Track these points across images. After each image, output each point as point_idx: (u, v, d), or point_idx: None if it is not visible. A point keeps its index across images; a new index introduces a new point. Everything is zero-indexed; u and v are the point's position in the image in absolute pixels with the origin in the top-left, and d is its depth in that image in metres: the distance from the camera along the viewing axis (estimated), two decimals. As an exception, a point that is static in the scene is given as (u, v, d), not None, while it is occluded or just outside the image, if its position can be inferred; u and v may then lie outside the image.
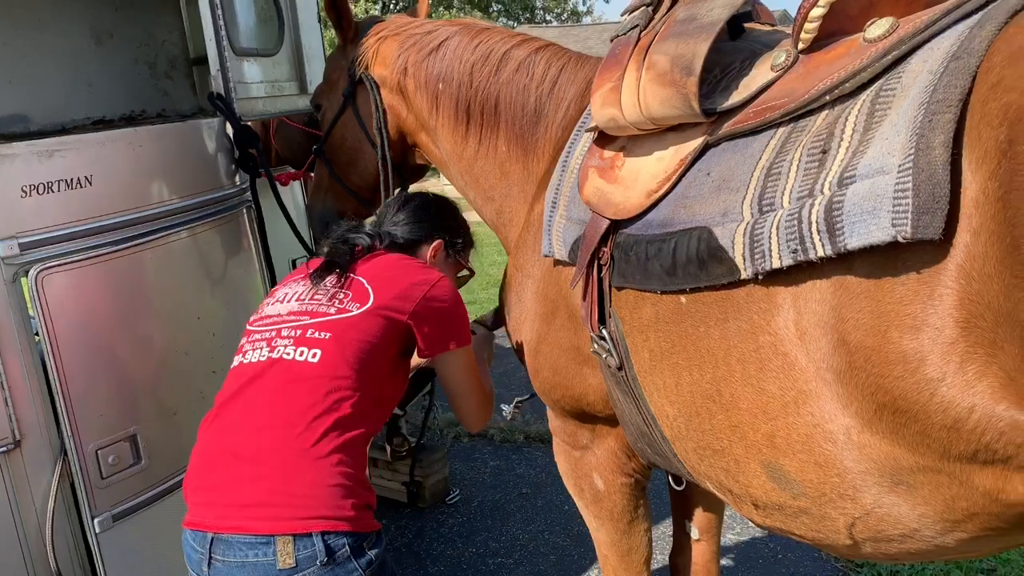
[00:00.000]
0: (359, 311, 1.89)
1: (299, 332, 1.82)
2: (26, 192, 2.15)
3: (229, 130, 2.92)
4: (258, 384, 1.78)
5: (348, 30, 2.65)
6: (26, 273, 2.11)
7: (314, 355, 1.78)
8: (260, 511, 1.65)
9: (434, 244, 2.26)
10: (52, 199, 2.20)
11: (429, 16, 2.83)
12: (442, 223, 2.31)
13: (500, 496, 4.24)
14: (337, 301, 1.92)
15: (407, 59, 2.42)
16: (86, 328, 2.23)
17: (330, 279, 1.97)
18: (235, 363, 1.90)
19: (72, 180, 2.25)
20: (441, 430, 5.03)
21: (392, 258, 2.11)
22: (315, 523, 1.64)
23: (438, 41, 2.38)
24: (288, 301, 1.96)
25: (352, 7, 2.71)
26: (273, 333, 1.86)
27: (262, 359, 1.81)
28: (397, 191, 2.59)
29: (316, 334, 1.82)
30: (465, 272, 2.44)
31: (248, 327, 1.97)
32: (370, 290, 1.94)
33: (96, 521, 2.24)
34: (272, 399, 1.75)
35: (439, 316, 2.00)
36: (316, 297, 1.93)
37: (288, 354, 1.79)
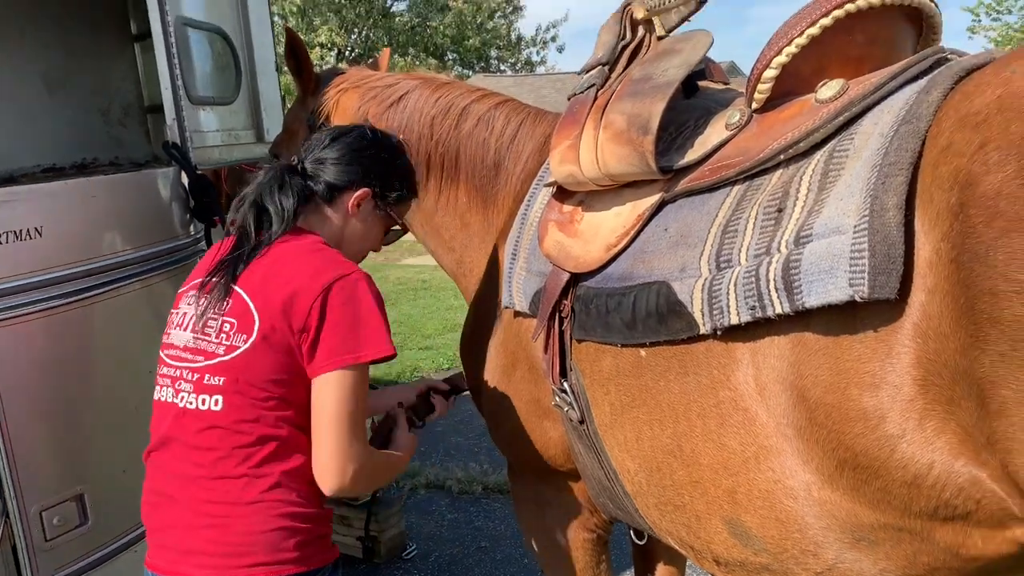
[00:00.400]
0: (246, 346, 1.65)
1: (197, 376, 1.69)
2: (-28, 244, 2.09)
3: (184, 179, 2.89)
4: (177, 430, 1.70)
5: (308, 81, 2.65)
6: (-30, 327, 2.04)
7: (216, 402, 1.66)
8: (203, 559, 1.63)
9: (358, 193, 1.86)
10: (0, 251, 2.14)
11: (390, 69, 2.85)
12: (377, 167, 1.90)
13: (458, 550, 4.17)
14: (224, 334, 1.68)
15: (367, 111, 2.43)
16: (33, 384, 2.16)
17: (216, 295, 1.72)
18: (155, 394, 1.79)
19: (21, 231, 2.20)
20: (397, 481, 4.95)
21: (290, 250, 1.74)
22: (257, 570, 1.61)
23: (399, 94, 2.40)
24: (185, 328, 1.75)
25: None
26: (177, 373, 1.73)
27: (175, 402, 1.72)
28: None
29: (212, 379, 1.67)
30: (397, 228, 2.11)
31: (160, 352, 1.81)
32: (254, 311, 1.67)
33: (38, 586, 2.15)
34: (191, 450, 1.68)
35: (334, 327, 1.63)
36: (207, 328, 1.71)
37: (191, 403, 1.68)
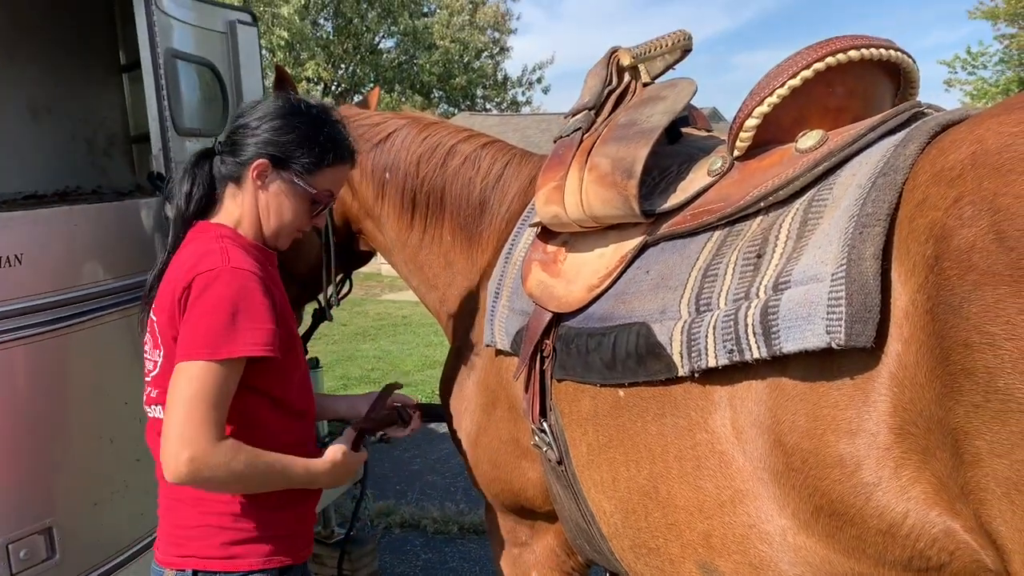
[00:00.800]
0: (160, 359, 1.73)
1: (148, 390, 1.81)
2: (-49, 270, 2.07)
3: (168, 210, 2.88)
4: (150, 434, 1.82)
5: None
6: (-55, 354, 2.02)
7: (158, 410, 1.76)
8: (159, 544, 1.80)
9: (254, 164, 1.77)
10: (-22, 277, 2.12)
11: (379, 108, 2.87)
12: (277, 136, 1.78)
13: (432, 590, 4.12)
14: (148, 352, 1.79)
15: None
16: (6, 412, 2.13)
17: (142, 318, 1.85)
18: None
19: (1, 258, 2.18)
20: (372, 520, 4.89)
21: (184, 251, 1.76)
22: (188, 561, 1.72)
23: (386, 132, 2.43)
24: (144, 342, 1.85)
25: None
26: (146, 388, 1.83)
27: (152, 417, 1.83)
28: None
29: (152, 392, 1.78)
30: (309, 223, 1.89)
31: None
32: (156, 327, 1.74)
33: (1, 621, 2.10)
34: (155, 451, 1.75)
35: (186, 321, 1.64)
36: (144, 347, 1.81)
37: (152, 412, 1.80)
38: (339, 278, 2.63)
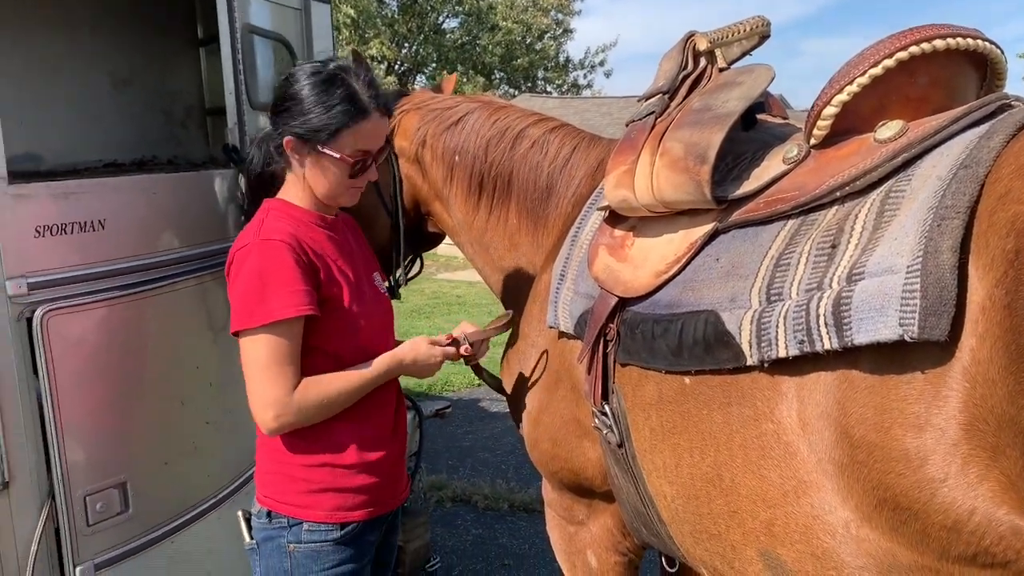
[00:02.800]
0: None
1: None
2: (40, 232, 2.16)
3: (241, 182, 2.96)
4: None
5: None
6: (32, 313, 2.11)
7: None
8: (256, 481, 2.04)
9: (284, 143, 1.89)
10: (64, 240, 2.21)
11: (456, 92, 2.89)
12: (292, 110, 1.86)
13: (481, 566, 4.18)
14: None
15: (427, 131, 2.49)
16: (86, 371, 2.22)
17: None
18: None
19: (85, 223, 2.27)
20: (424, 493, 4.97)
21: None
22: (266, 501, 1.95)
23: (458, 116, 2.45)
24: None
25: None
26: None
27: None
28: None
29: None
30: (361, 180, 1.95)
31: None
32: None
33: (78, 570, 2.19)
34: None
35: (230, 297, 1.86)
36: None
37: None
38: (409, 259, 2.68)
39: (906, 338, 1.20)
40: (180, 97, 4.03)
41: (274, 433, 1.84)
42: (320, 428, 1.88)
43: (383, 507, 2.00)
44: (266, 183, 2.05)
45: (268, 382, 1.79)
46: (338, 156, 1.86)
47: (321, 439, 1.90)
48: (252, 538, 1.99)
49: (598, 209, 2.02)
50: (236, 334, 1.83)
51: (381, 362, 1.93)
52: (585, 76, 34.76)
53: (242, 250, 1.83)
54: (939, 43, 1.46)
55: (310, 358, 1.86)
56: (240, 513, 2.05)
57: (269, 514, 1.94)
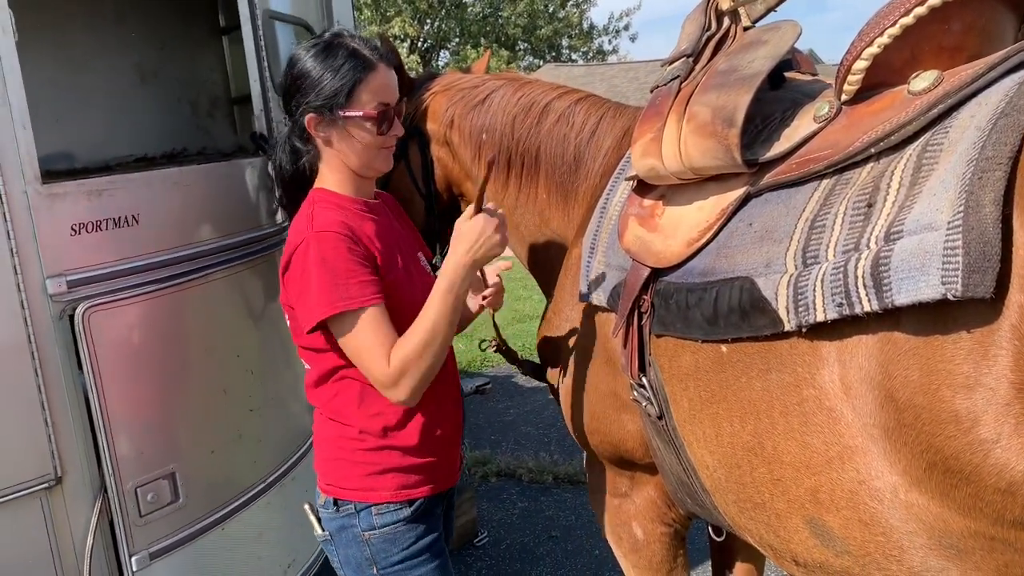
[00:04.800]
0: (289, 324, 1.94)
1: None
2: (75, 231, 2.19)
3: (271, 169, 2.97)
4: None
5: (402, 86, 2.72)
6: (73, 310, 2.14)
7: (306, 365, 1.99)
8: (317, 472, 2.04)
9: (306, 122, 1.87)
10: (100, 237, 2.24)
11: (488, 69, 2.87)
12: (305, 88, 1.85)
13: (528, 539, 4.21)
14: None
15: (454, 112, 2.48)
16: (129, 365, 2.26)
17: None
18: None
19: (120, 219, 2.29)
20: (469, 468, 5.01)
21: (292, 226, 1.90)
22: (330, 488, 1.96)
23: (484, 94, 2.44)
24: None
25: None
26: None
27: None
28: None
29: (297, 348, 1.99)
30: (391, 136, 1.92)
31: None
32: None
33: (134, 560, 2.25)
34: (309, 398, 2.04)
35: (299, 294, 1.79)
36: None
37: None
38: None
39: (949, 296, 1.16)
40: (206, 87, 4.05)
41: (411, 401, 1.80)
42: (374, 416, 1.89)
43: (443, 483, 2.01)
44: (302, 180, 2.00)
45: (372, 362, 1.76)
46: (361, 113, 1.84)
47: (381, 421, 1.90)
48: (323, 529, 1.99)
49: (626, 179, 1.99)
50: (320, 325, 1.77)
51: (441, 278, 1.81)
52: (610, 42, 34.37)
53: (301, 246, 1.78)
54: (972, -14, 1.40)
55: None
56: (307, 506, 2.05)
57: (336, 502, 1.94)
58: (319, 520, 2.00)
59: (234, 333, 2.64)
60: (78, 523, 2.19)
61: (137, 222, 2.33)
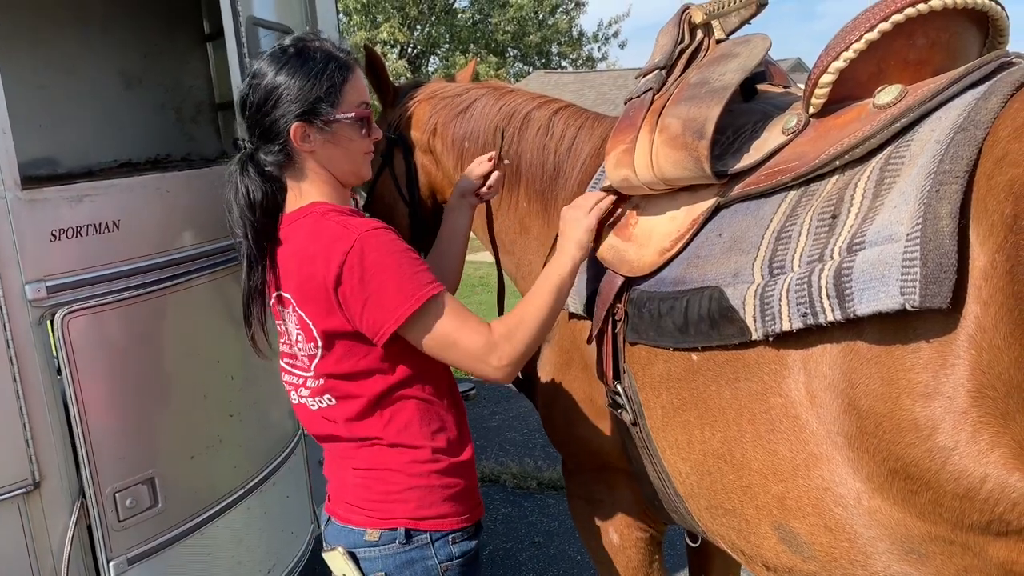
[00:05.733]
0: (319, 354, 1.75)
1: (303, 380, 1.84)
2: (55, 236, 2.19)
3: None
4: (315, 426, 1.89)
5: (387, 94, 2.77)
6: (53, 316, 2.15)
7: (329, 400, 1.81)
8: (356, 508, 1.82)
9: (291, 132, 1.71)
10: (80, 243, 2.24)
11: (476, 77, 2.90)
12: (290, 96, 1.70)
13: (512, 545, 4.22)
14: (299, 348, 1.80)
15: (436, 120, 2.50)
16: (108, 371, 2.27)
17: (280, 316, 1.84)
18: (290, 398, 1.92)
19: (100, 224, 2.30)
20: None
21: (297, 238, 1.74)
22: (397, 521, 1.77)
23: (467, 103, 2.47)
24: (282, 340, 1.88)
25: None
26: (294, 380, 1.87)
27: (305, 404, 1.86)
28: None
29: (312, 383, 1.82)
30: (372, 140, 1.81)
31: (280, 362, 1.94)
32: (305, 317, 1.73)
33: (111, 565, 2.24)
34: (322, 437, 1.89)
35: (368, 300, 1.64)
36: (295, 343, 1.82)
37: (313, 405, 1.84)
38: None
39: (908, 307, 1.19)
40: (191, 93, 4.06)
41: (509, 377, 1.72)
42: (437, 433, 1.79)
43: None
44: (272, 206, 1.80)
45: (467, 336, 1.67)
46: (353, 115, 1.74)
47: (445, 436, 1.79)
48: (367, 572, 1.78)
49: (601, 189, 2.01)
50: (407, 321, 1.64)
51: (557, 264, 1.79)
52: (599, 49, 34.51)
53: (351, 253, 1.62)
54: (935, 3, 1.44)
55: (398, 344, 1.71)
56: (340, 551, 1.81)
57: (409, 534, 1.75)
58: (358, 564, 1.79)
59: (214, 339, 2.65)
60: (56, 528, 2.19)
61: (118, 228, 2.33)
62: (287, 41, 1.80)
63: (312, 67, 1.72)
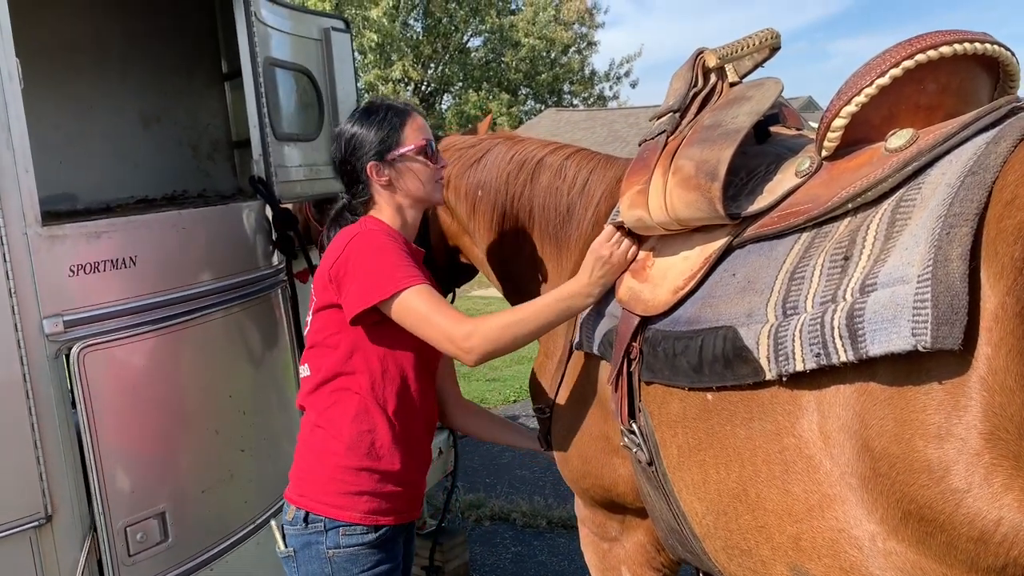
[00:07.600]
0: (310, 320, 2.10)
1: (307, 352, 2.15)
2: (73, 272, 2.23)
3: (268, 212, 3.02)
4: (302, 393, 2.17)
5: None
6: (69, 350, 2.17)
7: (306, 370, 2.11)
8: (291, 481, 2.12)
9: (367, 171, 2.11)
10: (97, 278, 2.28)
11: (493, 127, 2.95)
12: (361, 146, 2.12)
13: (521, 583, 4.18)
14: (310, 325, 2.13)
15: (451, 172, 2.54)
16: (123, 405, 2.29)
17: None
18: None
19: (117, 260, 2.34)
20: (462, 512, 4.99)
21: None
22: (303, 500, 2.03)
23: (480, 154, 2.51)
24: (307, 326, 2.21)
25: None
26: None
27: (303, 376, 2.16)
28: None
29: (308, 351, 2.12)
30: (438, 167, 2.19)
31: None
32: (313, 297, 2.09)
33: (120, 599, 2.25)
34: (300, 408, 2.16)
35: (349, 284, 1.96)
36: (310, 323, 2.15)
37: (303, 373, 2.13)
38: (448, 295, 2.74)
39: (919, 348, 1.19)
40: (207, 131, 4.13)
41: (479, 362, 1.92)
42: (364, 433, 2.00)
43: (408, 515, 2.12)
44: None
45: (444, 320, 1.91)
46: (413, 147, 2.10)
47: (370, 439, 2.01)
48: (287, 546, 2.06)
49: (609, 222, 2.03)
50: (382, 304, 1.92)
51: (565, 285, 1.99)
52: (611, 87, 34.78)
53: (354, 240, 1.98)
54: (945, 49, 1.46)
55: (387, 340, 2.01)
56: (273, 523, 2.14)
57: (306, 517, 2.01)
58: (284, 537, 2.07)
59: (228, 374, 2.67)
60: (67, 562, 2.19)
61: (134, 264, 2.37)
62: (359, 106, 2.24)
63: (375, 119, 2.12)
